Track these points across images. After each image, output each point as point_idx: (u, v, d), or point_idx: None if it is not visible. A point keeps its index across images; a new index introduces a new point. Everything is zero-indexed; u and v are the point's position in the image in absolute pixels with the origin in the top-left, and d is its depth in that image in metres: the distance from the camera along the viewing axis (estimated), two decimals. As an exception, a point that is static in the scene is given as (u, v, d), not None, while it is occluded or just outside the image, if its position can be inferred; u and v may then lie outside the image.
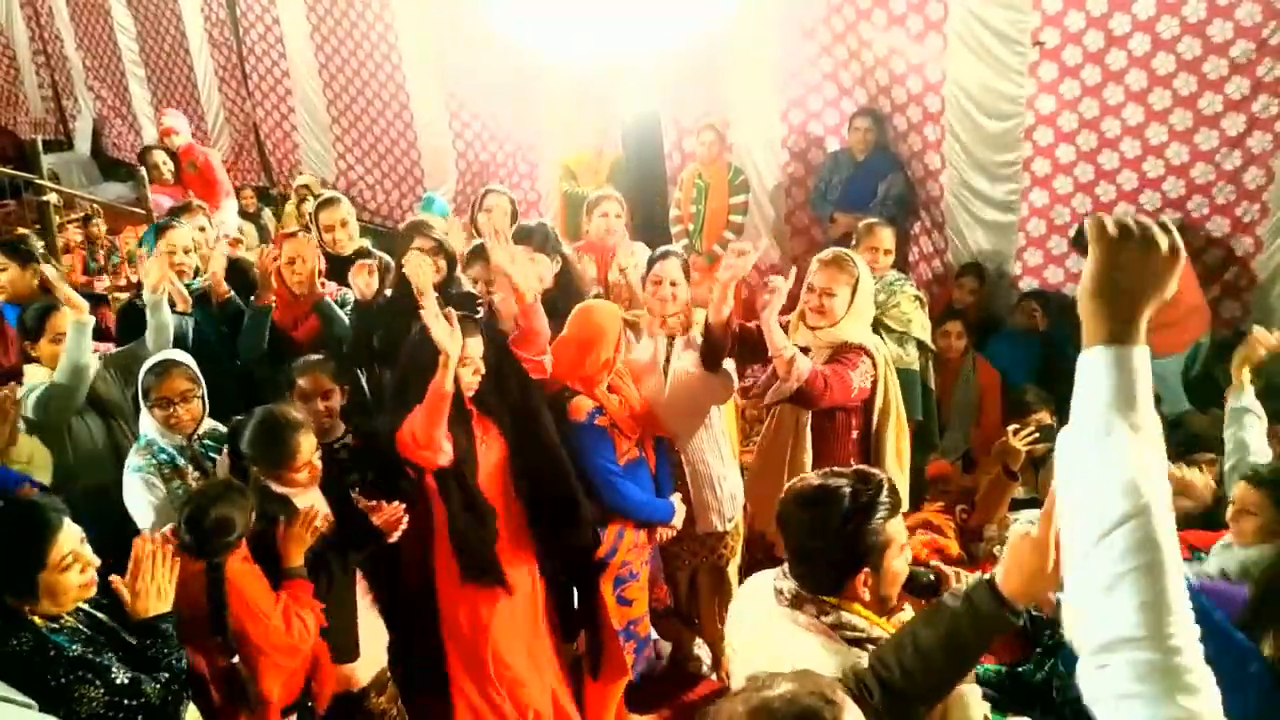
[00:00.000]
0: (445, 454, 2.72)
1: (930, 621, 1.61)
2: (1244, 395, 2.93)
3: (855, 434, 3.20)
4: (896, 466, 3.30)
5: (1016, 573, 1.55)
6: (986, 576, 1.61)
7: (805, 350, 3.10)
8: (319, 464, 2.74)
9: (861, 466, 1.90)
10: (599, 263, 4.17)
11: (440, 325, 2.65)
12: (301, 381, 3.13)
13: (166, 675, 2.13)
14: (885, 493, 1.78)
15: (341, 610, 2.73)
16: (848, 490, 1.76)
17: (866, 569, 1.77)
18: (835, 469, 1.86)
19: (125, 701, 2.04)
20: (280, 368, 3.32)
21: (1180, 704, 0.97)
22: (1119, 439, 1.08)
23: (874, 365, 3.13)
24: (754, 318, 3.02)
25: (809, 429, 3.22)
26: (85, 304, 3.26)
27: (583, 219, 4.50)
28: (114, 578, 2.17)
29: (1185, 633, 1.00)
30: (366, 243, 4.32)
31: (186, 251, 3.94)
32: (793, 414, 3.22)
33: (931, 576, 1.90)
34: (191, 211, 4.39)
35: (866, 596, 1.79)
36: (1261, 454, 2.88)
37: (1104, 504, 1.06)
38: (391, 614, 2.98)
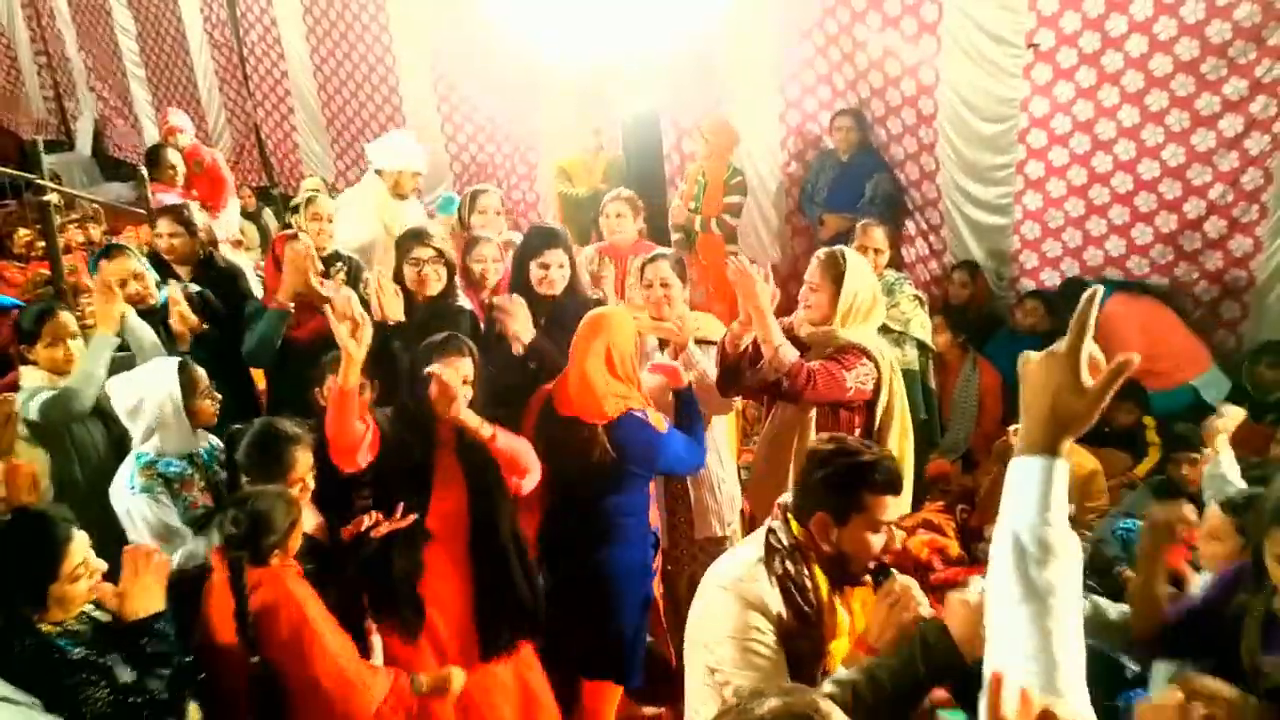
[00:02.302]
0: (361, 457, 2.63)
1: (888, 654, 1.76)
2: (1221, 463, 3.02)
3: (858, 432, 3.20)
4: (906, 471, 3.31)
5: (956, 629, 1.69)
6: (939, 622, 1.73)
7: (806, 349, 3.10)
8: (312, 483, 2.67)
9: (886, 450, 2.08)
10: (617, 266, 4.19)
11: (342, 326, 2.57)
12: (330, 376, 3.11)
13: (168, 671, 2.13)
14: (887, 473, 1.95)
15: (351, 620, 2.64)
16: (858, 449, 1.98)
17: (827, 513, 1.95)
18: (868, 443, 2.07)
19: (131, 700, 2.04)
20: (295, 367, 3.27)
21: None
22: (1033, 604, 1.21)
23: (876, 368, 3.10)
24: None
25: (814, 426, 3.19)
26: (117, 323, 3.26)
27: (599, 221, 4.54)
28: (101, 587, 2.15)
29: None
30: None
31: (137, 277, 3.65)
32: (797, 412, 3.18)
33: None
34: (176, 212, 4.33)
35: (822, 540, 1.97)
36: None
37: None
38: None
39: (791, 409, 3.19)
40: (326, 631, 2.41)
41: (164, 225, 4.14)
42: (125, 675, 2.05)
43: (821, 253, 3.19)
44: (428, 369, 2.65)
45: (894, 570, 1.98)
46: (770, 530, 2.04)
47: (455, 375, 2.65)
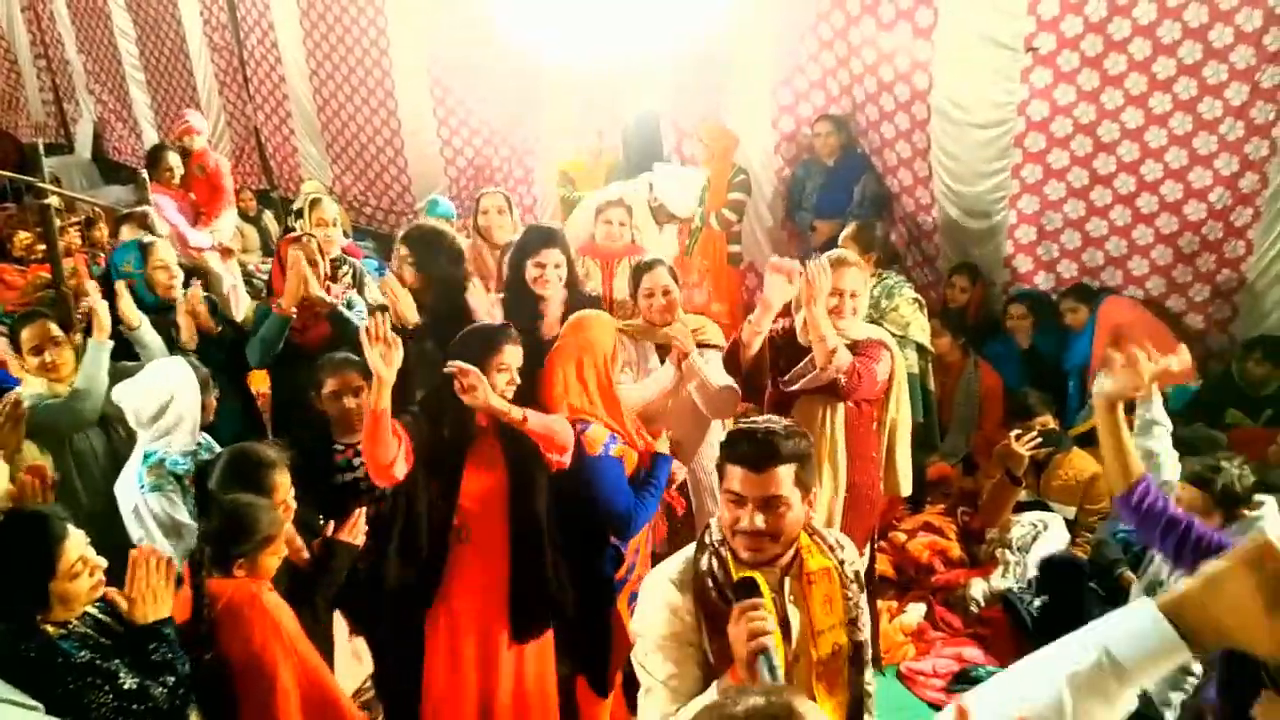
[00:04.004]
0: (398, 470, 2.61)
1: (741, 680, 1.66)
2: (1152, 407, 3.03)
3: (875, 425, 3.23)
4: (909, 454, 3.38)
5: None
6: None
7: (799, 348, 3.09)
8: (294, 503, 2.62)
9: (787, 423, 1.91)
10: (604, 269, 4.17)
11: (374, 346, 2.52)
12: (331, 380, 3.07)
13: (173, 679, 2.13)
14: (740, 442, 1.83)
15: (318, 644, 2.58)
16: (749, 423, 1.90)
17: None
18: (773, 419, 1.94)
19: (133, 707, 2.04)
20: (294, 372, 3.29)
21: None
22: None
23: (891, 358, 3.17)
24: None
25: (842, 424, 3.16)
26: (109, 327, 3.27)
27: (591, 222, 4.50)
28: (109, 590, 2.15)
29: None
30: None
31: (165, 268, 3.76)
32: (822, 409, 3.14)
33: None
34: (140, 218, 4.32)
35: None
36: (1169, 462, 2.98)
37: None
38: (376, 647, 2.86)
39: (815, 405, 3.15)
40: (299, 650, 2.34)
41: (128, 233, 4.14)
42: (129, 682, 2.05)
43: (841, 257, 3.17)
44: (449, 365, 2.63)
45: (758, 582, 1.70)
46: (707, 526, 1.95)
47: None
